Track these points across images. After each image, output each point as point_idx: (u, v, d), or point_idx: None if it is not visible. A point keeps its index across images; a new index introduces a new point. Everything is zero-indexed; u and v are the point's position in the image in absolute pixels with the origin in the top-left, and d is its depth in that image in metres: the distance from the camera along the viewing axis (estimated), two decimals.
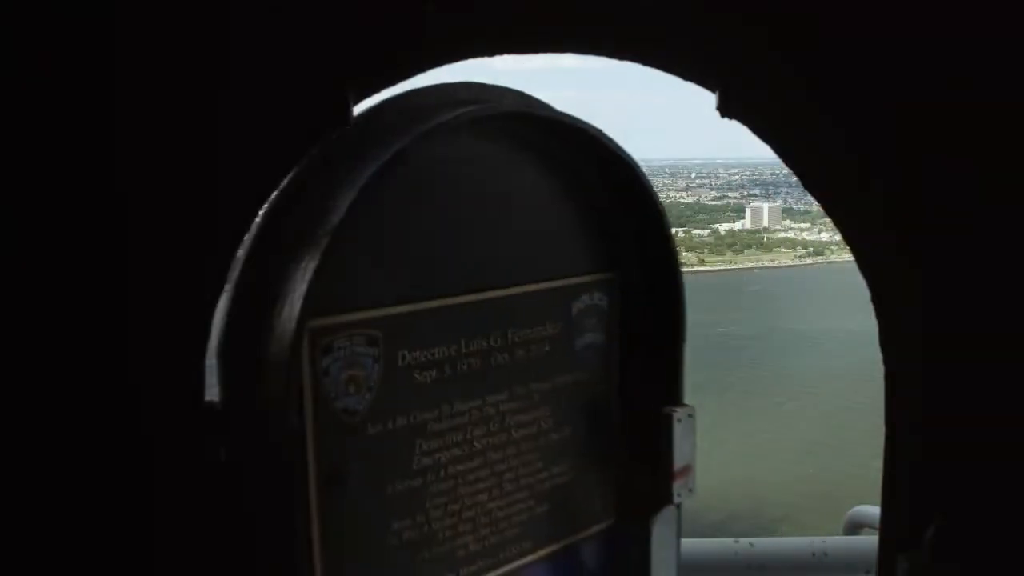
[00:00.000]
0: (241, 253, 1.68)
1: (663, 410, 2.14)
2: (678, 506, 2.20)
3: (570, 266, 2.09)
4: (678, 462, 2.13)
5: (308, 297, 1.53)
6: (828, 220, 1.93)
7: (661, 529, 2.20)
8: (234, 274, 1.68)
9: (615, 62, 1.83)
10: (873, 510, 3.23)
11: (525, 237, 2.00)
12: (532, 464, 2.08)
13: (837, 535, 3.40)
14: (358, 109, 1.73)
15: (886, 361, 1.89)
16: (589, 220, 2.11)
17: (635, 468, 2.20)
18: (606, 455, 2.21)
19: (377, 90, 1.74)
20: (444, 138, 1.71)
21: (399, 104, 1.80)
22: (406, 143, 1.64)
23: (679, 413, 2.13)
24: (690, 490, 2.17)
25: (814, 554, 3.14)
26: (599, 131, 1.91)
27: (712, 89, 1.82)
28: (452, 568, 1.95)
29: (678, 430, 2.13)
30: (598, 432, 2.20)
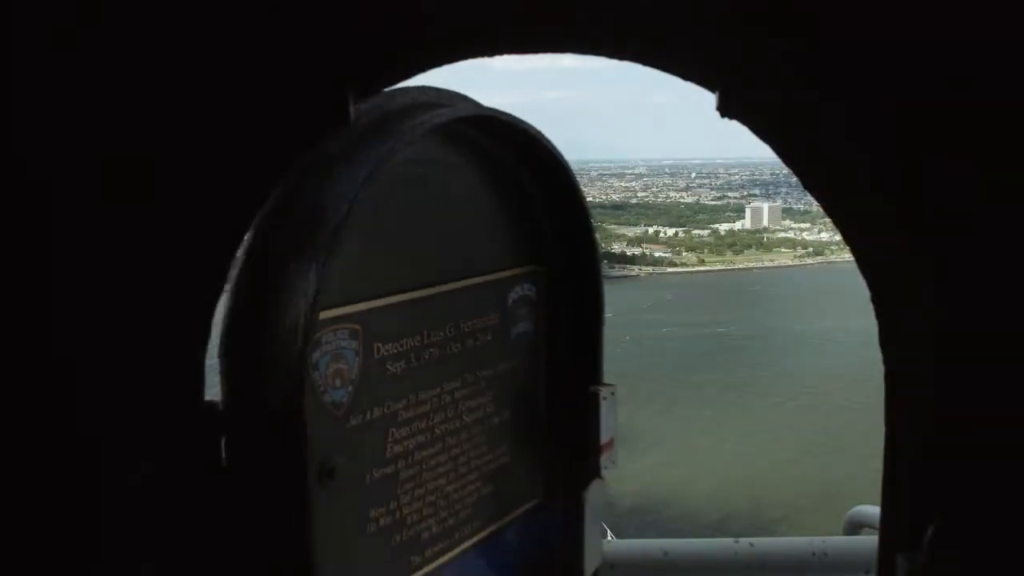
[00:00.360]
0: (241, 253, 1.69)
1: (589, 389, 2.32)
2: (603, 478, 2.39)
3: (506, 260, 2.26)
4: (604, 437, 2.32)
5: (317, 294, 1.59)
6: (828, 220, 1.93)
7: (591, 500, 2.37)
8: (234, 274, 1.69)
9: (615, 62, 1.83)
10: (873, 510, 3.23)
11: (470, 233, 2.15)
12: (480, 447, 2.21)
13: (837, 535, 3.40)
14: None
15: (886, 361, 1.89)
16: (522, 217, 2.29)
17: (565, 445, 2.38)
18: (540, 434, 2.38)
19: (377, 90, 1.74)
20: (416, 140, 1.81)
21: (373, 106, 1.86)
22: (397, 143, 1.73)
23: (604, 391, 2.32)
24: (613, 462, 2.37)
25: (814, 554, 3.13)
26: (539, 132, 2.10)
27: (712, 89, 1.82)
28: (418, 551, 2.04)
29: (604, 407, 2.31)
30: (532, 413, 2.36)
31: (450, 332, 2.08)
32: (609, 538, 3.77)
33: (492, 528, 2.26)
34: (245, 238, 1.68)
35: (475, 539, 2.20)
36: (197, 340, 1.64)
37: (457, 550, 2.15)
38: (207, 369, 1.68)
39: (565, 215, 2.29)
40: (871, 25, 1.70)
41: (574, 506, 2.36)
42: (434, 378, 2.04)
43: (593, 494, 2.36)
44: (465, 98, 2.07)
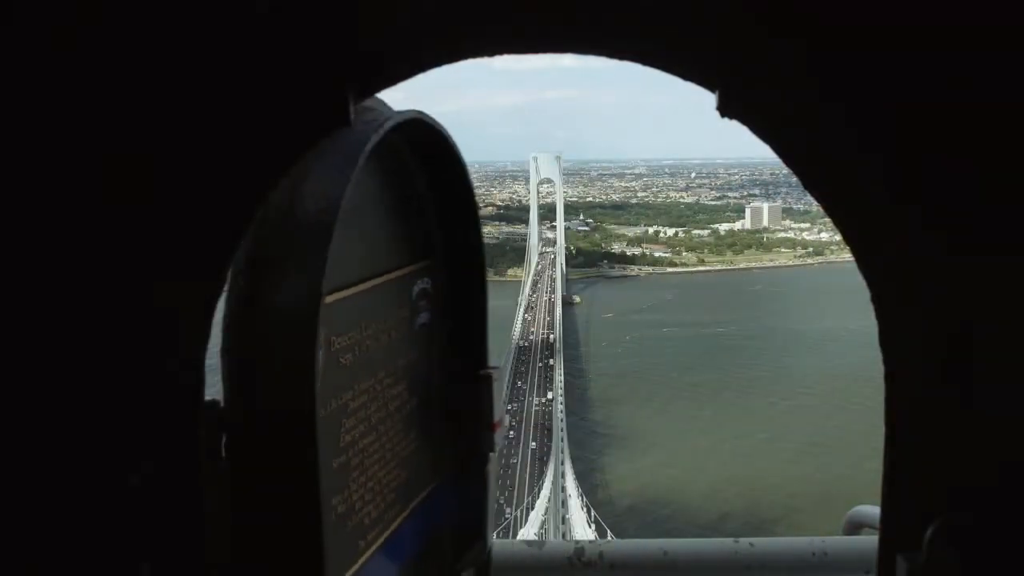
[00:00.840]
0: (241, 253, 1.69)
1: (482, 372, 2.51)
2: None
3: (411, 255, 2.39)
4: (496, 415, 2.50)
5: (319, 290, 1.63)
6: (828, 220, 1.93)
7: (491, 474, 2.57)
8: (234, 273, 1.69)
9: (615, 62, 1.83)
10: (873, 510, 3.23)
11: (387, 231, 2.28)
12: (399, 433, 2.30)
13: (837, 535, 3.39)
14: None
15: (886, 361, 1.89)
16: (422, 213, 2.45)
17: (466, 425, 2.54)
18: (442, 417, 2.52)
19: (377, 90, 1.74)
20: (381, 138, 1.90)
21: None
22: (381, 140, 1.86)
23: (495, 374, 2.49)
24: (505, 438, 2.59)
25: (814, 554, 3.13)
26: (448, 133, 2.29)
27: (712, 89, 1.82)
28: (363, 536, 2.11)
29: (495, 388, 2.48)
30: (434, 398, 2.50)
31: (379, 324, 2.19)
32: (609, 537, 3.80)
33: (410, 508, 2.39)
34: (244, 238, 1.69)
35: (399, 520, 2.31)
36: (197, 340, 1.64)
37: (387, 532, 2.25)
38: (207, 369, 1.68)
39: (459, 214, 2.48)
40: (871, 25, 1.70)
41: (478, 480, 2.55)
42: (370, 369, 2.14)
43: (491, 468, 2.58)
44: (381, 101, 2.20)
